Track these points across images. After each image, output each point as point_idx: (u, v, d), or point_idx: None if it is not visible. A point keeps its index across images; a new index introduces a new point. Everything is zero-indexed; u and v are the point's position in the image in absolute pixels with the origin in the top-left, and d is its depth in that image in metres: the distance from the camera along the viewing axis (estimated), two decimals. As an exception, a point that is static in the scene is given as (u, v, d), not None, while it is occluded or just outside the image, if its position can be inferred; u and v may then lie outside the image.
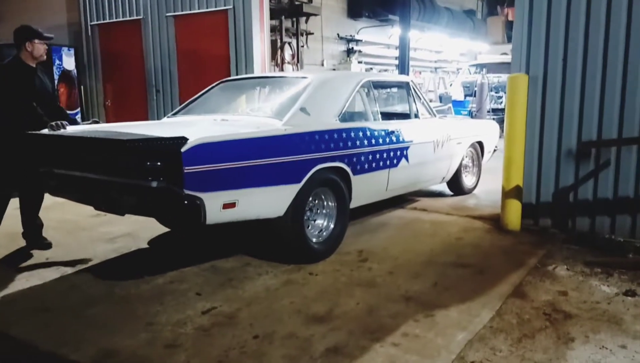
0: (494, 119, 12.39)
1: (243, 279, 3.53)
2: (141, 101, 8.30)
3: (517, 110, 4.51)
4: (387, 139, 4.47)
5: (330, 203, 4.02)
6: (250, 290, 3.36)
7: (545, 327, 2.83)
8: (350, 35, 15.96)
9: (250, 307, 3.11)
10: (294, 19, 12.77)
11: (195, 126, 3.81)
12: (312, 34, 13.57)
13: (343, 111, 4.14)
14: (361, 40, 16.37)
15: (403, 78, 5.80)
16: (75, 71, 8.21)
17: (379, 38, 17.50)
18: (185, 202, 2.99)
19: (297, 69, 12.07)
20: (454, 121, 5.87)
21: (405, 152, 4.69)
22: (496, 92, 12.85)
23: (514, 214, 4.60)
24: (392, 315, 2.99)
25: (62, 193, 3.85)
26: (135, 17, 8.13)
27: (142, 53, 8.13)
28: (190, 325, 2.88)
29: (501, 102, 12.72)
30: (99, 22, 8.62)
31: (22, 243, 4.22)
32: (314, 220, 3.98)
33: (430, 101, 12.63)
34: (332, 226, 4.00)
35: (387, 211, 5.34)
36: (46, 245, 4.18)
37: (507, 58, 14.74)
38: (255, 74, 4.99)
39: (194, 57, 7.70)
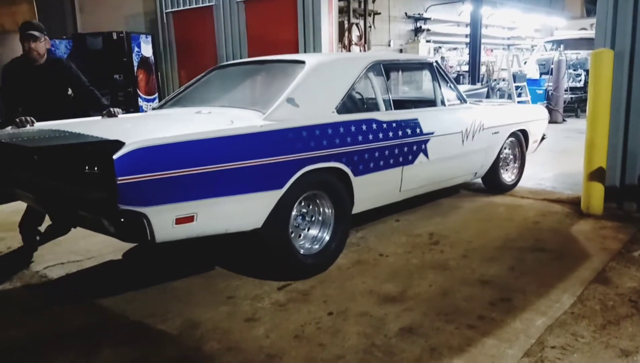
0: (572, 98, 11.81)
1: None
2: (214, 86, 8.53)
3: (600, 88, 4.26)
4: (400, 132, 3.84)
5: (326, 210, 3.47)
6: (323, 268, 3.42)
7: (631, 314, 2.71)
8: (418, 14, 15.65)
9: (323, 285, 3.18)
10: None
11: (160, 123, 3.40)
12: (379, 13, 13.41)
13: (342, 101, 3.55)
14: (430, 19, 16.03)
15: (425, 58, 5.03)
16: (152, 57, 8.57)
17: (449, 16, 17.04)
18: (122, 219, 2.54)
19: (365, 50, 11.98)
20: (490, 108, 5.13)
21: (423, 146, 4.05)
22: (574, 70, 12.20)
23: (595, 197, 4.39)
24: (467, 298, 2.97)
25: (23, 199, 3.41)
26: (207, 4, 8.32)
27: (214, 39, 8.33)
28: (268, 300, 3.00)
29: (580, 80, 12.09)
30: (173, 9, 8.90)
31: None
32: (307, 228, 3.45)
33: (503, 80, 12.21)
34: (327, 237, 3.44)
35: (458, 194, 5.25)
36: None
37: (586, 33, 13.95)
38: (252, 59, 4.40)
39: (263, 42, 7.80)
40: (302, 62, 3.65)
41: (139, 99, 8.71)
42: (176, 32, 8.98)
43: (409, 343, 2.50)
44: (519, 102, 10.63)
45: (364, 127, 3.59)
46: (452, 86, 4.62)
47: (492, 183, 5.23)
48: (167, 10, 8.99)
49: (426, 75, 4.59)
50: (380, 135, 3.70)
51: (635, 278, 3.15)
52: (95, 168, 2.52)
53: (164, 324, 2.75)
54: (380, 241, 3.92)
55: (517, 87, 11.03)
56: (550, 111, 10.91)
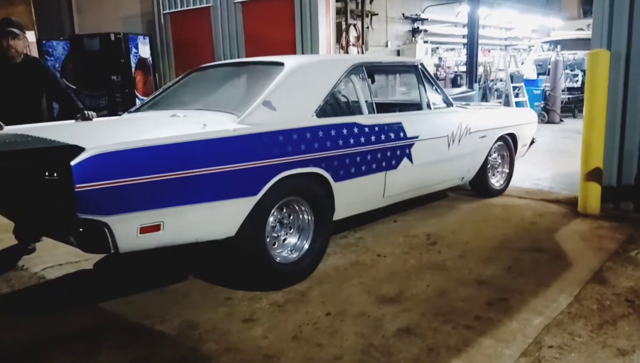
0: (569, 98, 11.85)
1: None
2: (211, 87, 8.53)
3: (597, 88, 4.28)
4: (383, 136, 3.72)
5: (305, 217, 3.36)
6: (320, 268, 3.42)
7: (628, 314, 2.73)
8: (416, 15, 15.67)
9: (321, 286, 3.18)
10: (359, 0, 12.66)
11: (131, 127, 3.26)
12: (377, 14, 13.41)
13: (322, 104, 3.43)
14: (427, 20, 16.05)
15: (409, 61, 4.83)
16: (150, 58, 8.57)
17: (446, 16, 17.07)
18: (81, 229, 2.44)
19: (362, 51, 11.99)
20: (477, 111, 4.98)
21: (408, 150, 3.94)
22: (571, 70, 12.24)
23: (592, 197, 4.41)
24: (464, 298, 2.98)
25: None
26: (204, 5, 8.34)
27: (211, 40, 8.34)
28: (265, 300, 3.00)
29: (577, 80, 12.15)
30: (170, 10, 8.91)
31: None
32: (286, 234, 3.34)
33: (501, 80, 12.24)
34: (306, 245, 3.33)
35: (455, 195, 5.26)
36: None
37: (583, 34, 13.99)
38: (232, 60, 4.33)
39: (260, 43, 7.81)
40: (281, 64, 3.51)
41: (137, 100, 8.71)
42: (173, 33, 8.99)
43: (407, 344, 2.50)
44: (516, 103, 10.67)
45: (344, 131, 3.47)
46: (437, 89, 4.52)
47: (480, 187, 5.14)
48: (164, 12, 9.00)
49: (411, 78, 4.47)
50: (362, 139, 3.58)
51: (632, 278, 3.17)
52: (54, 175, 2.40)
53: (162, 325, 2.75)
54: (378, 242, 3.93)
55: (514, 88, 11.07)
56: (547, 111, 11.00)
